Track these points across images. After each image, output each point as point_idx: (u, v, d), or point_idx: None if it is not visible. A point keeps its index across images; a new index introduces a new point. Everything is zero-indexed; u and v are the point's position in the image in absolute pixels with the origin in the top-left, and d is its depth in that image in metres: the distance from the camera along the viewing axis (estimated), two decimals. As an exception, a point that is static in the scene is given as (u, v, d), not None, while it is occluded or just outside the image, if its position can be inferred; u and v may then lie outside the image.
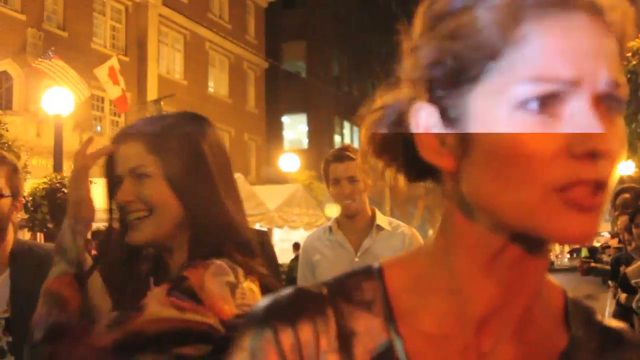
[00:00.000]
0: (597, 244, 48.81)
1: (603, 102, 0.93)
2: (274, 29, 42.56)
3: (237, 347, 1.07)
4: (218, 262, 1.92)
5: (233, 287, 1.91)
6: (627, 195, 6.95)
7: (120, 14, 30.63)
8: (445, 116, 1.00)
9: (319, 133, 43.74)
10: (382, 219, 4.64)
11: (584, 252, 52.56)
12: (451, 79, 0.98)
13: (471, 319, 1.06)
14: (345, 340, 1.05)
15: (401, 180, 1.16)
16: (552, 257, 56.39)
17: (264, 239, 5.63)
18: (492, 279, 1.04)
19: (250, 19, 40.66)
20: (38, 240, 16.53)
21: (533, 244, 1.00)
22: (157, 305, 1.84)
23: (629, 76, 12.34)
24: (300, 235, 20.09)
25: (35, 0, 25.85)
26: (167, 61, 33.21)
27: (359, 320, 1.07)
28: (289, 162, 28.64)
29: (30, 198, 16.55)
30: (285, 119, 45.69)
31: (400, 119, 1.09)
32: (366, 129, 1.16)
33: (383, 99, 1.15)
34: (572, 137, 0.91)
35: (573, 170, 0.91)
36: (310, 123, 44.78)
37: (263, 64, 41.26)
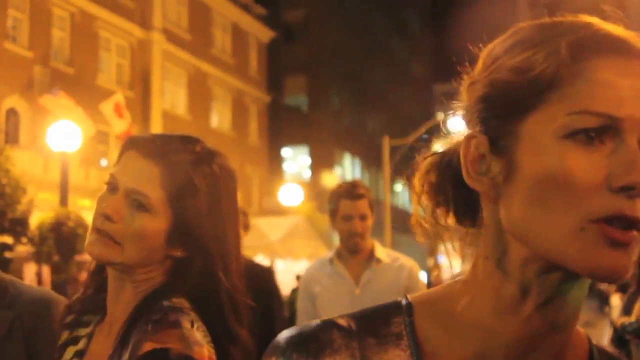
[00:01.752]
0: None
1: None
2: (276, 63, 42.62)
3: None
4: (172, 312, 1.72)
5: (199, 329, 1.73)
6: None
7: (125, 50, 30.73)
8: (495, 145, 1.03)
9: (320, 165, 43.73)
10: (381, 252, 4.70)
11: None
12: (505, 110, 1.01)
13: (500, 357, 1.05)
14: None
15: (451, 219, 1.17)
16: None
17: (268, 276, 5.62)
18: (522, 317, 1.03)
19: (252, 54, 40.79)
20: (44, 272, 16.74)
21: (565, 280, 1.00)
22: None
23: None
24: (303, 267, 20.27)
25: (42, 37, 26.01)
26: (171, 96, 33.25)
27: (385, 355, 1.07)
28: (291, 193, 28.55)
29: (37, 231, 16.75)
30: (287, 152, 45.61)
31: (453, 162, 1.13)
32: (421, 172, 1.18)
33: (437, 145, 1.20)
34: (613, 170, 0.94)
35: (612, 204, 0.93)
36: (311, 155, 44.79)
37: (265, 98, 41.28)
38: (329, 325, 1.08)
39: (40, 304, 2.24)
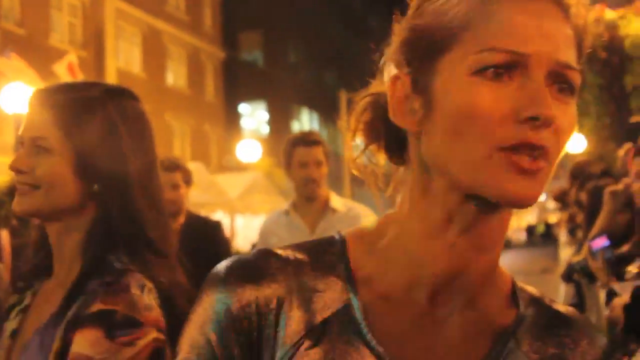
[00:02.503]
0: (553, 221, 49.13)
1: (555, 81, 1.04)
2: (230, 19, 42.21)
3: (196, 305, 1.14)
4: (123, 278, 1.80)
5: (150, 291, 1.82)
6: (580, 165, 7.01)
7: (76, 9, 30.16)
8: (416, 84, 1.10)
9: (278, 120, 43.56)
10: (336, 201, 4.76)
11: (540, 228, 52.72)
12: (424, 51, 1.08)
13: (426, 283, 1.12)
14: (305, 297, 1.11)
15: (381, 157, 1.25)
16: (509, 234, 56.27)
17: (216, 229, 5.73)
18: (448, 245, 1.10)
19: (207, 10, 40.27)
20: (3, 236, 16.61)
21: (485, 208, 1.07)
22: (108, 353, 1.67)
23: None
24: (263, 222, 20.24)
25: (-9, -2, 25.55)
26: (125, 55, 32.81)
27: (320, 280, 1.13)
28: (249, 149, 28.47)
29: (-6, 195, 16.57)
30: (245, 108, 45.40)
31: (386, 102, 1.16)
32: (357, 111, 1.24)
33: (374, 86, 1.25)
34: (519, 102, 1.00)
35: (518, 133, 0.99)
36: (269, 111, 44.61)
37: (220, 54, 40.87)
38: (267, 253, 1.15)
39: None
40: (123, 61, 32.44)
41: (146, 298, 1.78)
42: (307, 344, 1.08)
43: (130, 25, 33.27)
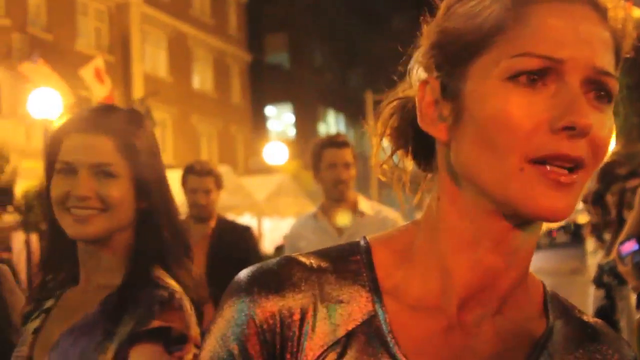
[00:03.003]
0: (582, 221, 48.75)
1: (591, 89, 0.99)
2: (256, 22, 42.29)
3: (217, 315, 1.10)
4: (178, 296, 1.93)
5: (191, 307, 1.98)
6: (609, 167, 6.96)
7: (103, 14, 30.40)
8: (446, 90, 1.06)
9: (304, 122, 43.63)
10: (364, 204, 4.74)
11: (570, 228, 52.36)
12: (454, 55, 1.04)
13: (455, 294, 1.08)
14: (329, 307, 1.07)
15: (408, 162, 1.22)
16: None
17: (247, 234, 5.75)
18: (477, 256, 1.07)
19: (232, 14, 40.46)
20: (32, 240, 16.73)
21: (516, 221, 1.03)
22: None
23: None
24: (290, 225, 20.30)
25: (19, 4, 25.67)
26: (151, 59, 33.04)
27: (344, 290, 1.09)
28: (276, 152, 28.52)
29: (23, 200, 16.68)
30: (271, 110, 45.48)
31: (415, 107, 1.13)
32: (384, 115, 1.21)
33: (402, 91, 1.22)
34: (554, 111, 0.96)
35: (552, 144, 0.95)
36: (295, 113, 44.69)
37: (246, 57, 41.05)
38: (289, 261, 1.11)
39: None
40: (149, 65, 32.62)
41: (193, 316, 1.94)
42: (331, 357, 1.04)
43: (156, 29, 33.46)
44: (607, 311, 5.89)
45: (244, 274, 1.11)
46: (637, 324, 4.28)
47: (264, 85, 42.84)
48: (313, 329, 1.06)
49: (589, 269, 7.79)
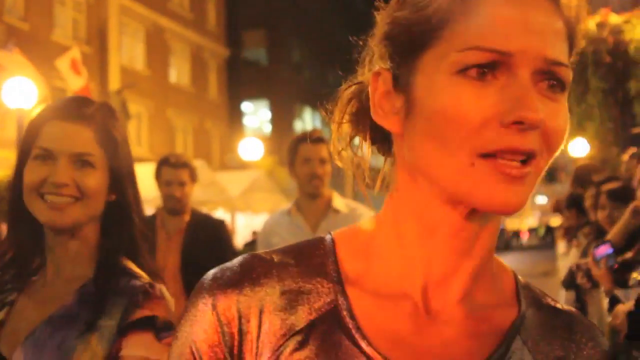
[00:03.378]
0: (554, 224, 49.07)
1: (543, 79, 0.98)
2: (234, 17, 42.25)
3: (184, 316, 1.11)
4: (157, 285, 1.98)
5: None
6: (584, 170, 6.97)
7: (80, 5, 30.17)
8: (398, 83, 1.05)
9: (281, 119, 43.60)
10: (339, 202, 4.75)
11: (541, 231, 52.84)
12: (404, 47, 1.03)
13: (419, 280, 1.08)
14: (290, 299, 1.07)
15: (367, 149, 1.22)
16: (511, 236, 56.32)
17: (220, 228, 5.74)
18: (438, 243, 1.07)
19: (211, 8, 40.35)
20: (3, 230, 16.62)
21: (472, 214, 1.03)
22: (160, 354, 1.85)
23: (577, 58, 12.54)
24: (264, 221, 20.31)
25: (-4, -8, 25.52)
26: (128, 51, 32.84)
27: (306, 281, 1.09)
28: (251, 148, 28.52)
29: (-4, 190, 16.56)
30: (247, 106, 45.41)
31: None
32: (342, 100, 1.20)
33: (361, 75, 1.20)
34: (503, 105, 0.94)
35: (502, 138, 0.94)
36: (272, 109, 44.65)
37: (224, 52, 41.00)
38: (251, 258, 1.12)
39: None
40: (126, 58, 32.49)
41: (172, 303, 1.99)
42: (290, 347, 1.04)
43: (134, 21, 33.31)
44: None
45: (207, 275, 1.12)
46: (608, 328, 4.31)
47: (241, 81, 42.77)
48: (272, 321, 1.06)
49: (559, 271, 7.84)
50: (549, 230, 47.92)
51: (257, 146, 28.25)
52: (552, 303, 1.20)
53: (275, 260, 1.11)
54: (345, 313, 1.07)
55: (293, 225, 4.74)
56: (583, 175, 6.76)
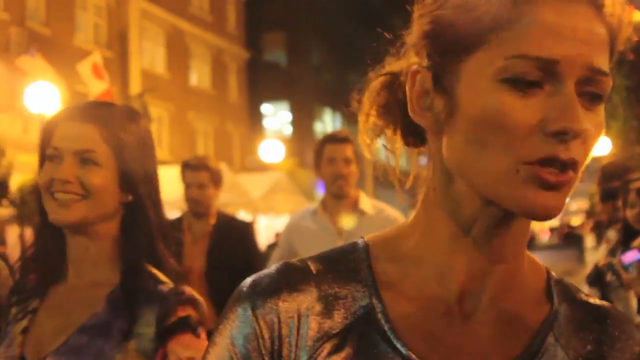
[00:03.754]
0: (576, 223, 48.87)
1: (585, 89, 0.98)
2: (254, 19, 42.31)
3: (220, 324, 1.13)
4: (184, 286, 2.00)
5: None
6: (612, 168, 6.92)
7: (101, 10, 30.37)
8: (438, 82, 1.05)
9: (301, 121, 43.66)
10: (366, 203, 4.70)
11: (564, 230, 52.58)
12: (448, 48, 1.03)
13: (453, 284, 1.09)
14: (326, 304, 1.09)
15: (398, 141, 1.21)
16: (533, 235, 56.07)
17: (247, 230, 5.70)
18: (471, 246, 1.08)
19: (231, 11, 40.49)
20: (27, 234, 16.72)
21: (507, 217, 1.04)
22: (202, 350, 1.87)
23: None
24: (285, 222, 20.23)
25: (17, -2, 25.71)
26: (149, 55, 33.00)
27: (342, 286, 1.11)
28: (272, 150, 28.50)
29: (18, 194, 16.68)
30: (267, 108, 45.48)
31: (403, 84, 1.13)
32: (371, 91, 1.20)
33: (390, 65, 1.20)
34: (548, 114, 0.95)
35: (546, 147, 0.95)
36: (292, 111, 44.72)
37: (244, 55, 41.07)
38: (287, 266, 1.14)
39: None
40: (147, 61, 32.63)
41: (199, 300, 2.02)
42: (327, 350, 1.06)
43: (154, 25, 33.45)
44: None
45: (245, 282, 1.14)
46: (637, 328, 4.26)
47: (261, 83, 42.83)
48: (310, 326, 1.08)
49: (587, 265, 7.77)
50: (571, 229, 47.65)
51: (277, 148, 28.27)
52: (585, 298, 1.20)
53: (311, 267, 1.13)
54: (380, 316, 1.08)
55: (318, 225, 4.72)
56: (616, 173, 6.69)
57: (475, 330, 1.10)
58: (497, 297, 1.11)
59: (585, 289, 6.38)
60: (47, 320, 2.01)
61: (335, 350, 1.06)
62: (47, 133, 2.04)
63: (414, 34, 1.09)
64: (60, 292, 2.07)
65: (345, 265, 1.14)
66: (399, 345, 1.06)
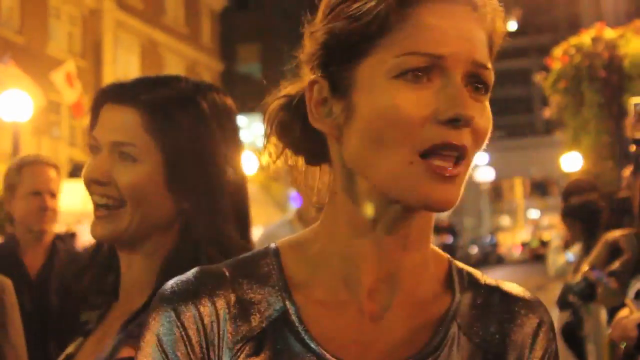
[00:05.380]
0: (547, 239, 49.10)
1: (471, 82, 1.06)
2: (229, 31, 42.44)
3: (145, 328, 1.14)
4: None
5: None
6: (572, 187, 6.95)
7: (76, 19, 30.31)
8: (335, 88, 1.11)
9: (275, 133, 43.78)
10: None
11: (535, 243, 52.92)
12: (342, 55, 1.09)
13: (360, 285, 1.14)
14: (243, 308, 1.13)
15: (300, 160, 1.26)
16: (504, 251, 56.36)
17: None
18: (377, 241, 1.12)
19: (205, 22, 40.52)
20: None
21: (406, 209, 1.09)
22: None
23: (573, 72, 12.59)
24: (259, 233, 20.25)
25: (-9, 6, 25.51)
26: (123, 65, 32.78)
27: (256, 291, 1.15)
28: (246, 162, 28.44)
29: (-10, 203, 16.53)
30: (242, 120, 45.44)
31: (300, 103, 1.19)
32: (270, 113, 1.25)
33: (286, 87, 1.26)
34: (439, 104, 1.02)
35: (439, 134, 1.02)
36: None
37: (218, 66, 41.12)
38: (203, 270, 1.17)
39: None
40: (121, 71, 32.49)
41: None
42: (245, 353, 1.11)
43: (129, 35, 33.37)
44: (573, 327, 5.94)
45: (165, 287, 1.16)
46: (607, 340, 4.31)
47: (236, 95, 42.44)
48: (229, 329, 1.12)
49: (548, 268, 7.83)
50: (542, 244, 47.93)
51: (251, 160, 28.20)
52: (490, 282, 1.24)
53: (226, 272, 1.16)
54: (294, 318, 1.13)
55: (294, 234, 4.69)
56: (576, 191, 6.72)
57: (384, 327, 1.14)
58: (406, 293, 1.15)
59: (555, 311, 6.42)
60: (90, 346, 1.68)
61: (253, 353, 1.11)
62: (94, 114, 1.67)
63: (307, 50, 1.16)
64: (109, 318, 1.70)
65: (258, 270, 1.17)
66: (313, 345, 1.10)
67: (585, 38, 12.68)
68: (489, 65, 1.09)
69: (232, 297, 1.13)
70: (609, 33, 12.80)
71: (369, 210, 1.11)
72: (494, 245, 54.75)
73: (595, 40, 12.54)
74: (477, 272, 1.26)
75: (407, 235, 1.12)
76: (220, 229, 1.62)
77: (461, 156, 1.04)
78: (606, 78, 12.41)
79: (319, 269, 1.17)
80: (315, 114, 1.13)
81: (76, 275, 1.77)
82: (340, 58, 1.09)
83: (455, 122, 1.02)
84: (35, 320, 3.55)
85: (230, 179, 1.66)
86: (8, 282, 2.84)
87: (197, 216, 1.60)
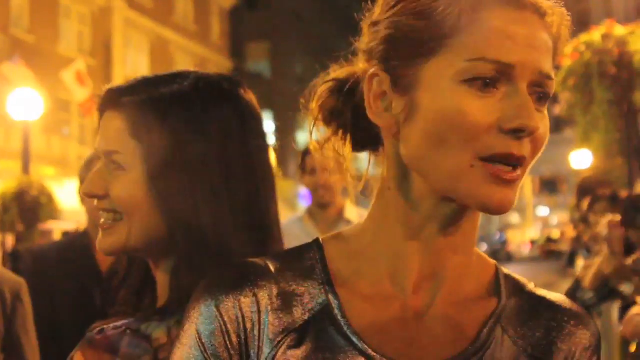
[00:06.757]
0: (555, 236, 48.99)
1: (535, 91, 1.06)
2: (238, 30, 42.42)
3: (185, 320, 1.15)
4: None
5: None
6: (588, 182, 6.91)
7: (86, 18, 30.39)
8: (396, 84, 1.10)
9: (284, 131, 43.74)
10: (352, 212, 4.66)
11: (542, 240, 52.80)
12: (407, 52, 1.08)
13: (408, 280, 1.14)
14: (285, 300, 1.13)
15: (347, 147, 1.25)
16: (513, 248, 56.21)
17: None
18: (425, 240, 1.13)
19: (215, 21, 40.57)
20: (8, 241, 16.62)
21: (460, 210, 1.11)
22: None
23: (582, 69, 12.56)
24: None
25: (1, 5, 25.55)
26: (133, 64, 32.92)
27: (299, 284, 1.15)
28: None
29: (0, 200, 16.58)
30: (251, 118, 45.51)
31: (352, 88, 1.20)
32: (318, 97, 1.25)
33: (336, 71, 1.27)
34: (505, 113, 1.03)
35: (502, 143, 1.02)
36: (275, 121, 44.79)
37: (227, 65, 41.00)
38: (246, 264, 1.17)
39: (19, 286, 2.47)
40: (131, 69, 32.54)
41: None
42: (287, 344, 1.11)
43: (138, 34, 33.41)
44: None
45: (206, 279, 1.16)
46: (619, 338, 4.29)
47: (245, 93, 42.83)
48: (271, 320, 1.12)
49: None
50: (551, 242, 47.81)
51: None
52: (536, 291, 1.25)
53: (269, 265, 1.17)
54: (336, 312, 1.13)
55: (303, 233, 4.65)
56: (588, 189, 6.70)
57: (427, 325, 1.14)
58: (449, 292, 1.16)
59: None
60: None
61: (295, 345, 1.11)
62: (98, 125, 1.51)
63: (367, 41, 1.16)
64: None
65: (302, 263, 1.18)
66: (355, 339, 1.11)
67: (595, 35, 12.66)
68: (553, 76, 1.09)
69: (275, 289, 1.14)
70: (619, 30, 12.78)
71: (422, 209, 1.11)
72: (504, 243, 54.75)
73: (605, 37, 12.52)
74: (523, 280, 1.27)
75: (455, 236, 1.13)
76: (221, 240, 1.39)
77: (519, 164, 1.05)
78: (616, 75, 12.39)
79: (365, 264, 1.17)
80: (374, 108, 1.13)
81: (114, 289, 1.58)
82: (405, 54, 1.09)
83: (520, 133, 1.03)
84: (104, 316, 3.53)
85: (240, 184, 1.44)
86: (23, 282, 2.86)
87: (189, 225, 1.40)
